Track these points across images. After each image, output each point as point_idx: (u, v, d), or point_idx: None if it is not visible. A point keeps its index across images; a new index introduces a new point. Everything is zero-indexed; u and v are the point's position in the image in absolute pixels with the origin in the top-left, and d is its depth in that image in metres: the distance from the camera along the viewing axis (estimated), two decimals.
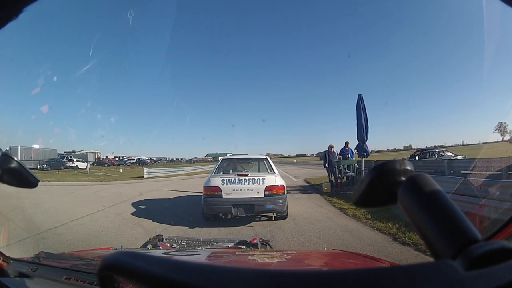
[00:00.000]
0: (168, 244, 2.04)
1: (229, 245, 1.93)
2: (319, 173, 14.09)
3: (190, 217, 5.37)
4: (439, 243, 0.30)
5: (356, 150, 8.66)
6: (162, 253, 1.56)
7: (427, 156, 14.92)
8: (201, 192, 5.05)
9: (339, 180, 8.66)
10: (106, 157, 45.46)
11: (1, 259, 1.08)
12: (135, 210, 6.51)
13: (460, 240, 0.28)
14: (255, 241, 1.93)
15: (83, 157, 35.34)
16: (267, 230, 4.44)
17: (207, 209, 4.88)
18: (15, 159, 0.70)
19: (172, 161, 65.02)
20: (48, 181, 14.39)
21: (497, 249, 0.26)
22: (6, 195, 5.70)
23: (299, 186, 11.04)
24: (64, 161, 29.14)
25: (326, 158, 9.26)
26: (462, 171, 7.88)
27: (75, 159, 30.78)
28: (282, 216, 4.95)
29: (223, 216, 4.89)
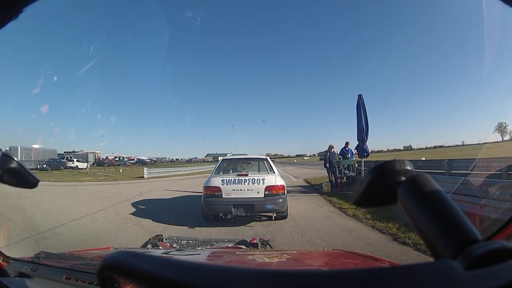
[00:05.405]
0: (168, 244, 2.04)
1: (229, 245, 1.93)
2: (319, 173, 14.10)
3: (190, 217, 5.37)
4: (439, 243, 0.30)
5: (356, 150, 8.66)
6: (162, 253, 1.56)
7: None
8: (201, 192, 5.05)
9: (339, 180, 8.65)
10: (106, 157, 45.50)
11: (1, 259, 1.07)
12: (135, 210, 6.51)
13: (460, 240, 0.28)
14: (255, 241, 1.93)
15: (83, 157, 35.36)
16: (267, 230, 4.44)
17: (207, 209, 4.88)
18: (15, 159, 0.70)
19: (172, 161, 65.11)
20: (48, 181, 14.40)
21: (497, 249, 0.26)
22: (6, 195, 5.71)
23: (299, 186, 11.04)
24: (64, 161, 29.16)
25: (327, 158, 9.27)
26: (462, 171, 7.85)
27: (75, 159, 30.81)
28: (282, 216, 4.95)
29: (223, 216, 4.89)
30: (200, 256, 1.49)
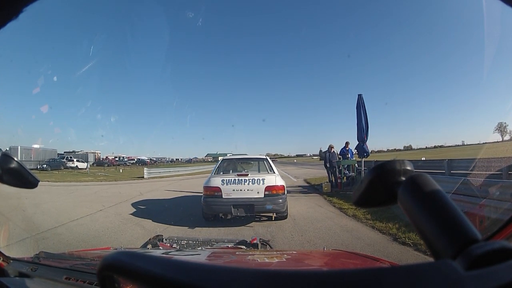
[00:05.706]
0: (168, 244, 2.04)
1: (229, 245, 1.93)
2: (319, 173, 14.10)
3: (190, 217, 5.37)
4: (439, 243, 0.30)
5: (356, 150, 8.66)
6: (162, 253, 1.56)
7: None
8: (201, 192, 5.05)
9: (339, 180, 8.65)
10: (106, 157, 45.54)
11: (1, 259, 1.07)
12: (135, 210, 6.51)
13: (460, 240, 0.28)
14: (255, 241, 1.93)
15: (83, 157, 35.37)
16: (267, 230, 4.44)
17: (207, 209, 4.88)
18: (15, 159, 0.69)
19: (172, 161, 65.19)
20: (48, 181, 14.39)
21: (497, 249, 0.26)
22: (6, 195, 5.71)
23: (299, 186, 11.03)
24: (64, 161, 29.18)
25: (327, 158, 9.27)
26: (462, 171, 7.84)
27: (75, 159, 30.83)
28: (282, 216, 4.95)
29: (223, 216, 4.89)
30: (200, 256, 1.49)
